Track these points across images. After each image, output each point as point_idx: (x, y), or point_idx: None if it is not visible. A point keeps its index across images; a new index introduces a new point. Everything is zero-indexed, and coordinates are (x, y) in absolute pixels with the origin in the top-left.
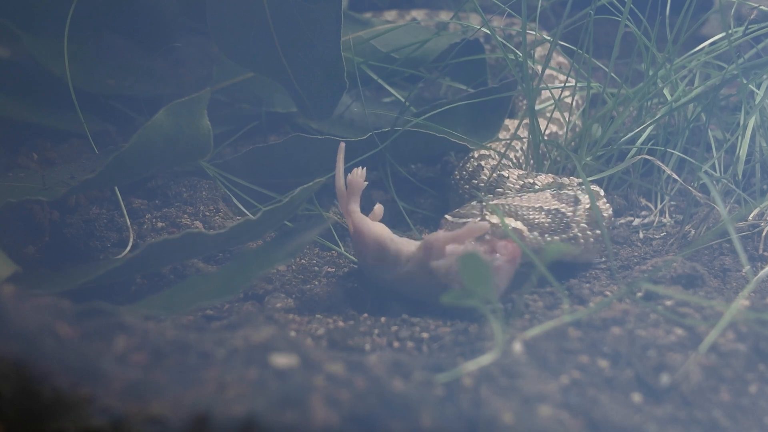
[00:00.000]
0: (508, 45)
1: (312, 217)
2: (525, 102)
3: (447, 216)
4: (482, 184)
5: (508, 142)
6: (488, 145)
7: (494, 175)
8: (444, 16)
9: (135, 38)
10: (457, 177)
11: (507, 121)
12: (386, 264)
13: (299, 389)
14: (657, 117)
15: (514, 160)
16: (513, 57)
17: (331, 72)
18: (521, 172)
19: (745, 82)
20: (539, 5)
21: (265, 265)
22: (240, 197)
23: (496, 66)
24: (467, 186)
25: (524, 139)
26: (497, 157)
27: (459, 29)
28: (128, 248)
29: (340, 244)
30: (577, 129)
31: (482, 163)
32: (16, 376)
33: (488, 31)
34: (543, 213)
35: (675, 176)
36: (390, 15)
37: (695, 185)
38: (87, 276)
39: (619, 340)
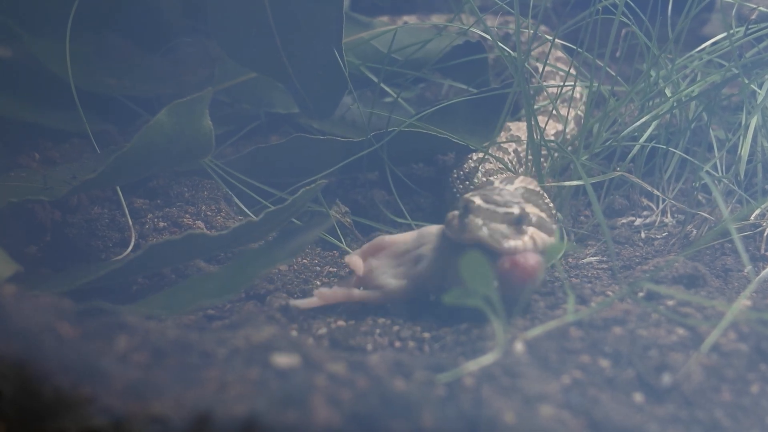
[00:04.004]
0: (504, 47)
1: (314, 216)
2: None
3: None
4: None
5: (501, 143)
6: (485, 146)
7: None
8: (436, 19)
9: (136, 38)
10: (454, 176)
11: (510, 124)
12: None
13: (301, 389)
14: (657, 111)
15: (507, 162)
16: (511, 56)
17: (333, 72)
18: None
19: (746, 81)
20: (530, 5)
21: (266, 264)
22: (242, 197)
23: (496, 66)
24: (461, 186)
25: (524, 140)
26: (490, 158)
27: (460, 30)
28: (130, 248)
29: (343, 242)
30: (572, 133)
31: (478, 165)
32: (16, 375)
33: (485, 35)
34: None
35: (655, 191)
36: (382, 20)
37: (697, 185)
38: (88, 276)
39: (621, 340)
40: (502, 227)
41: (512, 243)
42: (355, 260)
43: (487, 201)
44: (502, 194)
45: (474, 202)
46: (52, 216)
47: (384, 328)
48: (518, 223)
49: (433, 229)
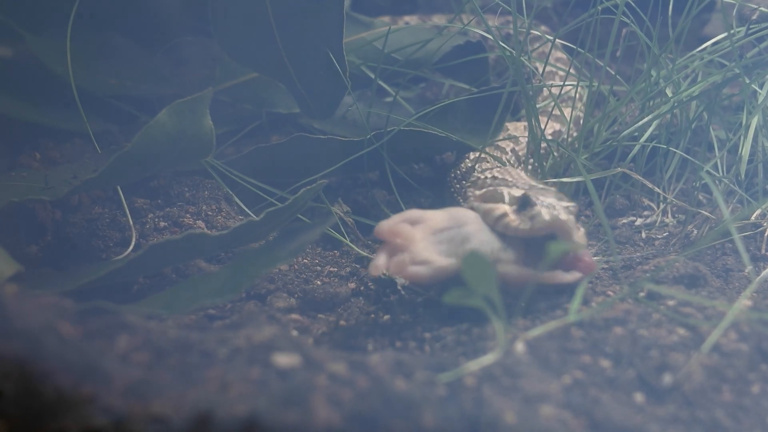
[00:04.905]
0: (505, 47)
1: (315, 216)
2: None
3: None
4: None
5: (498, 142)
6: (484, 146)
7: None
8: (437, 19)
9: (137, 38)
10: (452, 175)
11: (508, 124)
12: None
13: (301, 389)
14: (657, 111)
15: (506, 162)
16: (511, 55)
17: (334, 72)
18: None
19: (747, 81)
20: (525, 5)
21: (267, 264)
22: (242, 197)
23: (497, 66)
24: (458, 185)
25: (522, 140)
26: (489, 158)
27: (460, 29)
28: (131, 248)
29: (347, 238)
30: (573, 134)
31: (475, 164)
32: (18, 375)
33: (488, 35)
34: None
35: (656, 188)
36: (383, 20)
37: (697, 185)
38: (89, 276)
39: (622, 340)
40: (571, 218)
41: (579, 236)
42: (404, 229)
43: (544, 196)
44: (550, 193)
45: (531, 197)
46: (53, 216)
47: (385, 328)
48: (576, 218)
49: (468, 213)
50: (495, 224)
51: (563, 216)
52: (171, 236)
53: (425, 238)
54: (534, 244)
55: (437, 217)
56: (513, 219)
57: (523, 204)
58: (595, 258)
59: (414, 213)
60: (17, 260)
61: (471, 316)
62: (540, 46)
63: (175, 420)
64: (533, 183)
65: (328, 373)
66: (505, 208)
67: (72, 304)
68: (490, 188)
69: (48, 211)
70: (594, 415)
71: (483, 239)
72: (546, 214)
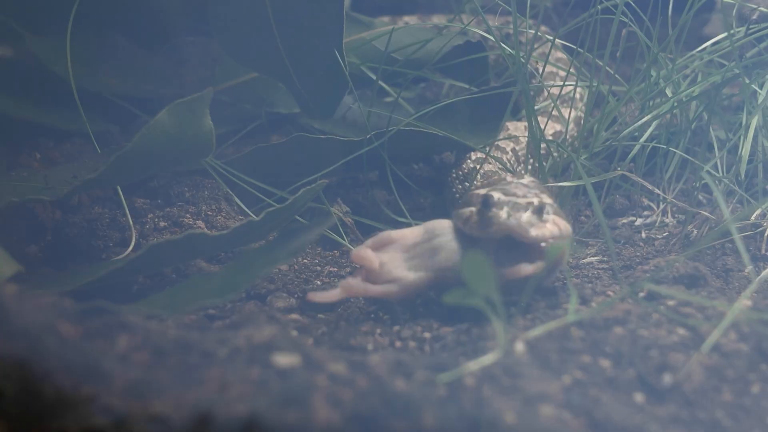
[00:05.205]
0: (505, 47)
1: (315, 215)
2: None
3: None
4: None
5: (498, 142)
6: (485, 146)
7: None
8: (437, 19)
9: (138, 38)
10: (453, 176)
11: (508, 123)
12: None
13: (301, 389)
14: (657, 111)
15: (506, 162)
16: (511, 54)
17: (334, 72)
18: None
19: (747, 81)
20: (528, 4)
21: (267, 264)
22: (242, 197)
23: (497, 66)
24: (460, 186)
25: (522, 140)
26: (489, 158)
27: (461, 29)
28: (131, 248)
29: (345, 239)
30: (574, 133)
31: (477, 166)
32: (18, 375)
33: (488, 35)
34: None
35: (656, 189)
36: (383, 20)
37: (697, 185)
38: (89, 276)
39: (622, 340)
40: (528, 216)
41: (539, 231)
42: (367, 254)
43: (506, 194)
44: (519, 187)
45: (493, 197)
46: (53, 215)
47: (384, 328)
48: (539, 212)
49: (443, 223)
50: (463, 226)
51: (520, 218)
52: (171, 236)
53: (393, 259)
54: (505, 246)
55: (411, 234)
56: (476, 221)
57: (484, 205)
58: (595, 258)
59: (385, 235)
60: (17, 260)
61: (471, 316)
62: (540, 46)
63: (175, 420)
64: (509, 179)
65: (328, 373)
66: (473, 210)
67: (72, 304)
68: (470, 193)
69: (48, 211)
70: (594, 415)
71: (452, 247)
72: (500, 217)
